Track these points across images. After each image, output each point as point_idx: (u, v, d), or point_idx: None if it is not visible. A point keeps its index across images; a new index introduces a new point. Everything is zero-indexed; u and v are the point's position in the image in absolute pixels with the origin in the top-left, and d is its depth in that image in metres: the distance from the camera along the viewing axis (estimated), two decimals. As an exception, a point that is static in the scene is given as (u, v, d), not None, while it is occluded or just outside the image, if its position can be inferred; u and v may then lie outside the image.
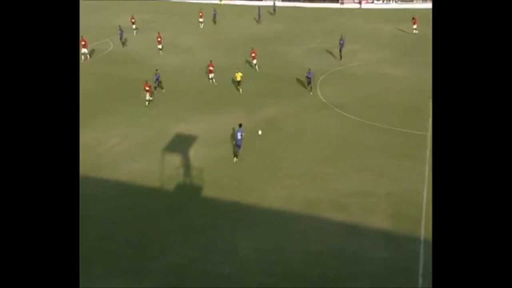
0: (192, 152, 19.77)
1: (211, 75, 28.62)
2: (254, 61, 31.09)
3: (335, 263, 13.09)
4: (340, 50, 32.43)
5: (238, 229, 14.65)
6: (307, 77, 26.16)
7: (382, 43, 37.55)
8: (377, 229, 14.47)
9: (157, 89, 26.40)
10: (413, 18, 40.32)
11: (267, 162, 18.83)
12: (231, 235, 14.34)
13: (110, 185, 17.19)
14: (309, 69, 26.21)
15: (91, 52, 34.38)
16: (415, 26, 40.01)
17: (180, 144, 20.45)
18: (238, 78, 26.53)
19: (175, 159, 19.13)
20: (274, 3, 51.99)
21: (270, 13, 50.92)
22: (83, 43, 32.22)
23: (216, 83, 28.47)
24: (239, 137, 18.15)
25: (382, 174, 17.64)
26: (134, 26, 40.93)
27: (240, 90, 26.80)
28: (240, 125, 18.60)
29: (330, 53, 34.12)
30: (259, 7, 50.15)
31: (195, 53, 35.68)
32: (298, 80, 28.84)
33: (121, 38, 37.58)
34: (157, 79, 26.19)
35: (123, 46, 37.23)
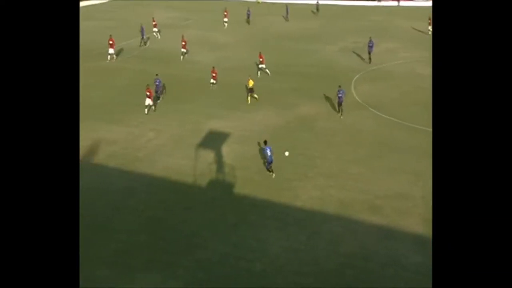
0: (225, 149, 19.94)
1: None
2: (263, 66, 29.49)
3: (368, 266, 12.87)
4: (369, 53, 31.19)
5: (269, 227, 14.66)
6: (338, 97, 22.48)
7: (420, 41, 36.50)
8: (412, 233, 14.11)
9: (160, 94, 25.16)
10: (430, 19, 39.05)
11: (299, 161, 18.73)
12: (262, 233, 14.36)
13: (146, 179, 17.58)
14: (340, 87, 22.65)
15: (119, 52, 34.96)
16: (430, 28, 38.70)
17: (213, 140, 20.67)
18: (250, 85, 24.84)
19: (208, 155, 19.36)
20: (317, 2, 51.26)
21: (313, 12, 50.35)
22: (110, 42, 31.93)
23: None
24: (269, 153, 16.93)
25: (418, 176, 17.17)
26: (154, 29, 39.35)
27: (255, 96, 24.94)
28: (266, 142, 17.34)
29: (365, 52, 33.48)
30: (287, 4, 49.95)
31: (227, 50, 35.92)
32: (331, 79, 28.48)
33: (142, 37, 36.92)
34: (157, 85, 24.92)
35: (142, 45, 36.51)
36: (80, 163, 18.88)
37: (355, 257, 13.22)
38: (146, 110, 23.41)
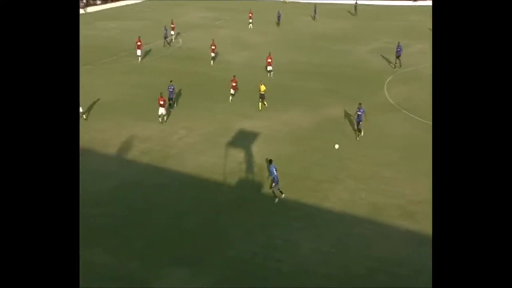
0: (254, 148, 19.94)
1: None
2: (270, 67, 28.68)
3: (401, 271, 12.52)
4: (398, 57, 29.84)
5: (298, 228, 14.52)
6: (357, 115, 20.43)
7: (457, 43, 35.28)
8: (447, 240, 13.62)
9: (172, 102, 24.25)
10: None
11: (329, 162, 18.49)
12: (291, 234, 14.25)
13: (177, 176, 17.82)
14: (360, 105, 20.67)
15: (151, 51, 35.64)
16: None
17: (243, 139, 20.71)
18: (262, 91, 23.69)
19: (238, 154, 19.41)
20: (356, 3, 50.37)
21: (351, 14, 49.57)
22: (138, 43, 32.17)
23: (273, 78, 28.41)
24: (275, 172, 15.67)
25: (454, 182, 16.57)
26: (172, 32, 37.86)
27: (265, 103, 23.84)
28: (271, 161, 16.21)
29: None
30: (315, 4, 49.70)
31: (258, 50, 35.95)
32: (363, 80, 28.01)
33: (165, 38, 36.37)
34: (171, 92, 24.06)
35: (165, 45, 36.25)
36: (116, 158, 19.43)
37: (387, 262, 12.89)
38: (160, 119, 22.24)
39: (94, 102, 25.26)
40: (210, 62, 31.99)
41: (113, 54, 35.24)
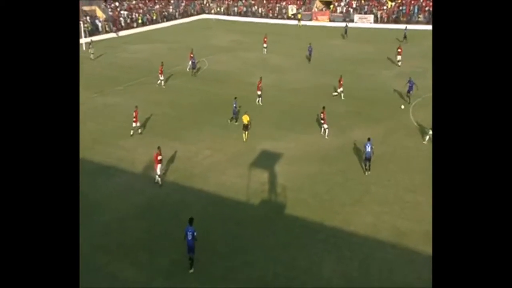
0: (278, 169, 20.18)
1: (258, 92, 28.13)
2: (258, 92, 27.74)
3: (424, 298, 12.34)
4: (409, 92, 27.77)
5: (321, 250, 14.54)
6: (366, 152, 18.95)
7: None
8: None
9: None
10: (400, 48, 37.72)
11: (352, 186, 18.50)
12: (314, 255, 14.28)
13: (201, 195, 18.20)
14: (369, 140, 19.33)
15: (180, 72, 36.76)
16: (399, 57, 37.12)
17: (266, 160, 21.00)
18: (245, 122, 23.11)
19: (260, 174, 19.68)
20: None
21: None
22: (161, 69, 32.96)
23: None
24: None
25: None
26: (190, 62, 36.75)
27: (245, 136, 23.06)
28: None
29: (423, 77, 32.59)
30: (346, 24, 51.91)
31: (285, 73, 36.59)
32: (388, 103, 28.02)
33: (193, 68, 35.95)
34: (235, 107, 25.03)
35: (194, 75, 35.69)
36: (144, 175, 20.01)
37: (411, 287, 12.72)
38: (157, 178, 18.83)
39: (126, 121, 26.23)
40: (256, 100, 28.72)
41: (143, 75, 36.61)
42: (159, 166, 18.70)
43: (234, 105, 25.44)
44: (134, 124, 23.99)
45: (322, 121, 23.45)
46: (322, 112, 23.47)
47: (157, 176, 18.80)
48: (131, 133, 24.01)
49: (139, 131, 24.38)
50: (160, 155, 18.72)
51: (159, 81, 33.28)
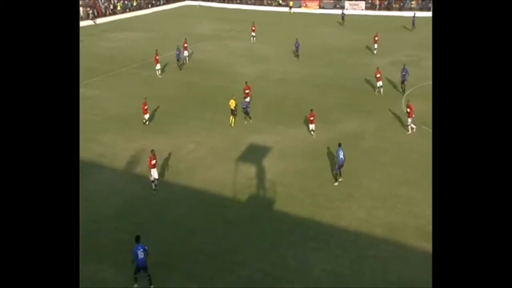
0: (266, 164, 19.47)
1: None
2: (247, 99, 24.43)
3: (419, 298, 11.84)
4: (403, 82, 27.02)
5: (311, 247, 13.95)
6: (339, 159, 17.23)
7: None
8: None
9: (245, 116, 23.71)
10: (376, 35, 37.27)
11: (343, 179, 17.87)
12: (303, 254, 13.68)
13: (187, 191, 17.41)
14: (340, 145, 17.64)
15: (165, 63, 35.60)
16: (376, 46, 36.78)
17: (254, 154, 20.27)
18: (232, 106, 22.54)
19: (248, 169, 18.96)
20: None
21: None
22: (156, 57, 32.00)
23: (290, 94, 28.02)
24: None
25: (475, 202, 15.83)
26: (186, 53, 35.32)
27: (233, 122, 22.75)
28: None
29: (418, 66, 32.09)
30: (343, 11, 51.92)
31: (271, 63, 35.68)
32: (381, 94, 27.42)
33: (178, 60, 33.72)
34: (246, 105, 23.59)
35: (180, 69, 33.73)
36: (125, 172, 19.10)
37: (405, 286, 12.21)
38: (153, 185, 17.54)
39: (102, 114, 25.13)
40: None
41: (123, 65, 35.35)
42: (153, 170, 17.04)
43: (245, 104, 23.44)
44: (145, 116, 23.59)
45: (309, 123, 22.04)
46: (310, 114, 21.99)
47: (153, 184, 17.20)
48: (147, 123, 23.66)
49: (147, 123, 23.80)
50: (155, 159, 17.14)
51: (157, 70, 32.04)
